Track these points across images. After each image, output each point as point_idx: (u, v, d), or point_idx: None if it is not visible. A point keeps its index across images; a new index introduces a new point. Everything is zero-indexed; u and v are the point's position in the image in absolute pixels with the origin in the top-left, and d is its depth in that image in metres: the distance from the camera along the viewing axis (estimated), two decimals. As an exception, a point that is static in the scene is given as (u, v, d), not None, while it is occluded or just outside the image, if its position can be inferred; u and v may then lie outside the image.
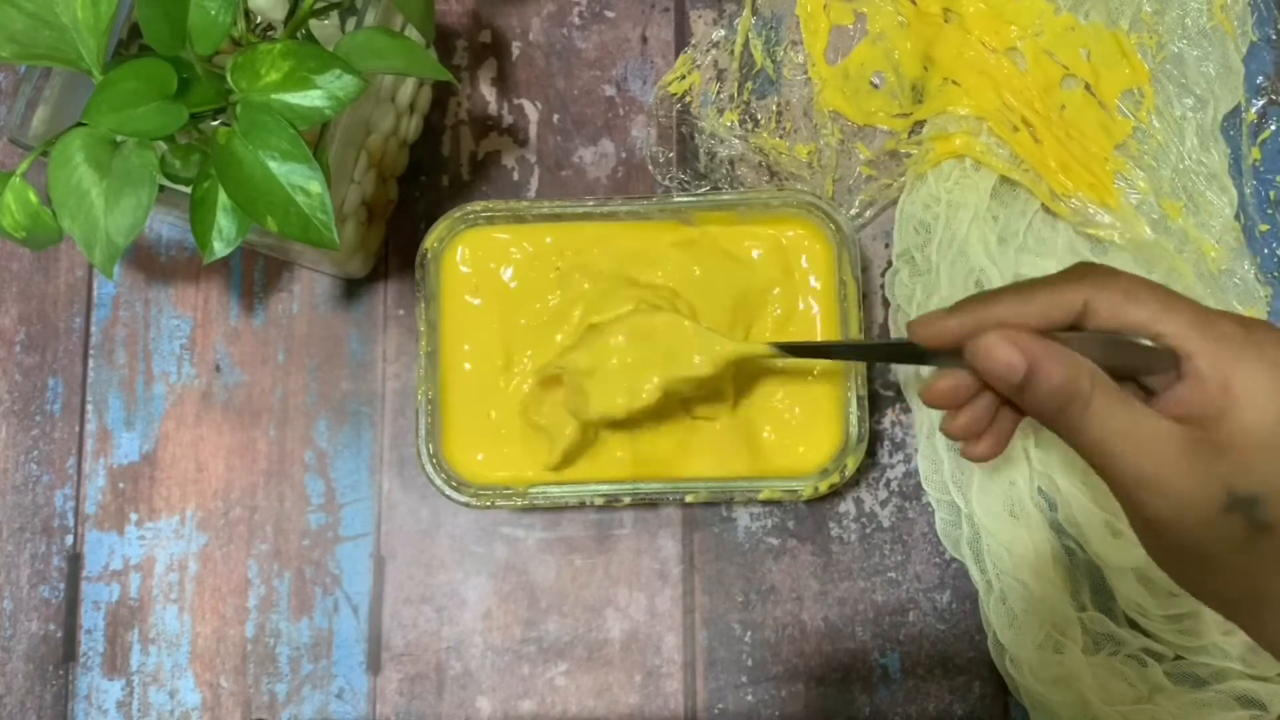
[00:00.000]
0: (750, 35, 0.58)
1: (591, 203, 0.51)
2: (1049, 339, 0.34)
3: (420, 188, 0.57)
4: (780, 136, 0.57)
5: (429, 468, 0.49)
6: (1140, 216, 0.54)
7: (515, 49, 0.58)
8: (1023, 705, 0.51)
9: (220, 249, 0.42)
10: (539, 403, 0.50)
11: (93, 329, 0.56)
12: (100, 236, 0.41)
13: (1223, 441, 0.31)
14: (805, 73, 0.57)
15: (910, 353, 0.39)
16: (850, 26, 0.58)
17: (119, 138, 0.41)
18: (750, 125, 0.57)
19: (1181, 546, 0.33)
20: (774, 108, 0.57)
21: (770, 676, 0.53)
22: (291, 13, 0.46)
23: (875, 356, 0.51)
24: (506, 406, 0.51)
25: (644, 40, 0.58)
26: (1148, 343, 0.34)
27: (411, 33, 0.50)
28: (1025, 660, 0.51)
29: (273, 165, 0.40)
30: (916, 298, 0.54)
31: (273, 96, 0.40)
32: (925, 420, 0.54)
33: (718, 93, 0.57)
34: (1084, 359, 0.34)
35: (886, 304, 0.55)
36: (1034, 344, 0.34)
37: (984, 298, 0.36)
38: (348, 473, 0.55)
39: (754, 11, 0.58)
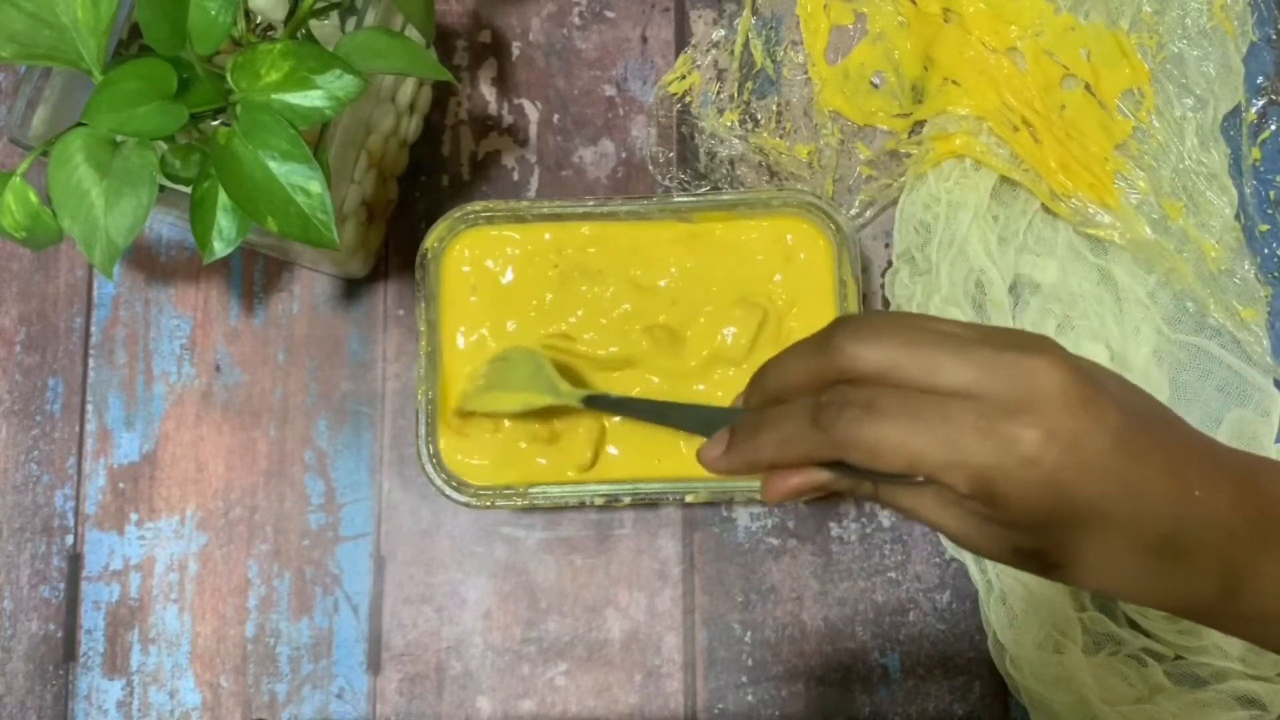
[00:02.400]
0: (750, 35, 0.58)
1: (591, 203, 0.51)
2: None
3: (420, 188, 0.57)
4: (780, 136, 0.57)
5: (429, 468, 0.49)
6: (1140, 216, 0.54)
7: (515, 49, 0.58)
8: (1023, 705, 0.51)
9: (220, 249, 0.42)
10: (542, 418, 0.50)
11: (93, 329, 0.56)
12: (100, 236, 0.41)
13: (998, 518, 0.31)
14: (805, 73, 0.57)
15: (705, 427, 0.38)
16: (850, 26, 0.58)
17: (119, 138, 0.41)
18: (750, 125, 0.57)
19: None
20: (774, 108, 0.57)
21: (770, 676, 0.53)
22: (291, 13, 0.46)
23: (674, 422, 0.47)
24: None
25: (644, 40, 0.58)
26: (916, 479, 0.33)
27: (411, 33, 0.50)
28: (1025, 660, 0.50)
29: (273, 165, 0.40)
30: (917, 298, 0.54)
31: (273, 96, 0.40)
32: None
33: (718, 93, 0.57)
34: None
35: (886, 304, 0.55)
36: (807, 480, 0.35)
37: (752, 437, 0.35)
38: (348, 473, 0.55)
39: (754, 11, 0.58)
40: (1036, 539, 0.32)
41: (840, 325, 0.34)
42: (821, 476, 0.34)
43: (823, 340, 0.34)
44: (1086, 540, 0.31)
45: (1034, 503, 0.30)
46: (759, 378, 0.37)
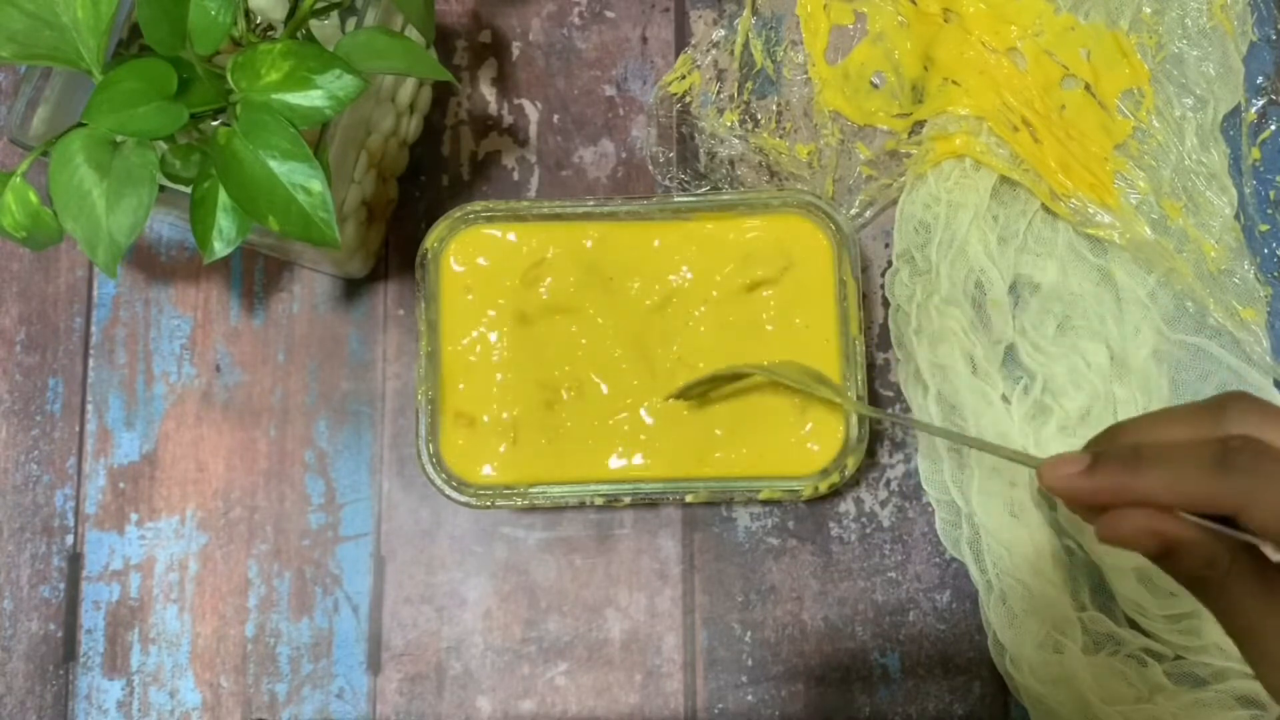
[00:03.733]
0: (750, 35, 0.58)
1: (591, 203, 0.51)
2: (1189, 522, 0.32)
3: (420, 188, 0.57)
4: (780, 136, 0.57)
5: (429, 468, 0.49)
6: (1140, 216, 0.54)
7: (515, 49, 0.59)
8: (1023, 705, 0.51)
9: (220, 249, 0.42)
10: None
11: (93, 329, 0.56)
12: (103, 237, 0.41)
13: None
14: (805, 73, 0.57)
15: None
16: (850, 26, 0.58)
17: (119, 138, 0.41)
18: (750, 125, 0.57)
19: None
20: (774, 108, 0.57)
21: (770, 676, 0.53)
22: (291, 13, 0.46)
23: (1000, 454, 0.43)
24: (507, 405, 0.51)
25: (644, 40, 0.58)
26: None
27: (411, 33, 0.50)
28: (1025, 660, 0.51)
29: (273, 165, 0.40)
30: (916, 298, 0.54)
31: (273, 96, 0.40)
32: (926, 421, 0.54)
33: (718, 93, 0.57)
34: (1223, 542, 0.32)
35: (886, 304, 0.55)
36: (1176, 530, 0.32)
37: (1129, 464, 0.33)
38: (348, 473, 0.55)
39: (754, 11, 0.58)
40: None
41: (1233, 400, 0.32)
42: (1190, 532, 0.31)
43: (1216, 409, 0.32)
44: None
45: None
46: (1114, 432, 0.35)
